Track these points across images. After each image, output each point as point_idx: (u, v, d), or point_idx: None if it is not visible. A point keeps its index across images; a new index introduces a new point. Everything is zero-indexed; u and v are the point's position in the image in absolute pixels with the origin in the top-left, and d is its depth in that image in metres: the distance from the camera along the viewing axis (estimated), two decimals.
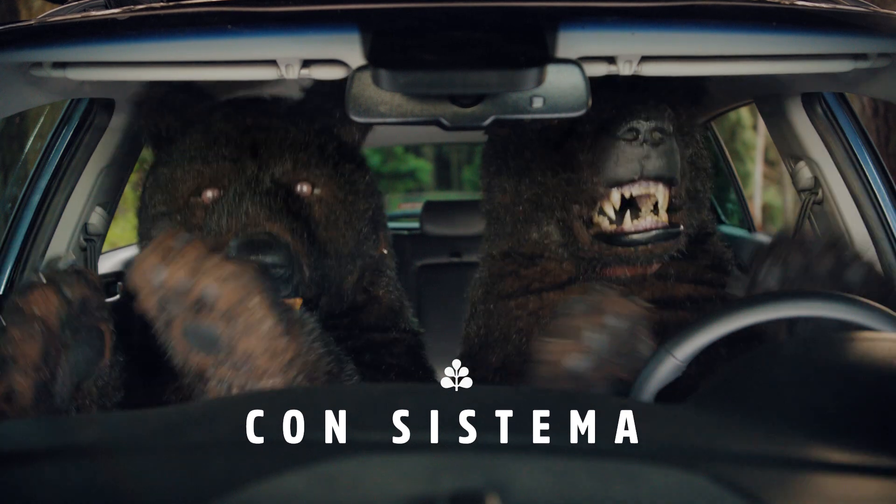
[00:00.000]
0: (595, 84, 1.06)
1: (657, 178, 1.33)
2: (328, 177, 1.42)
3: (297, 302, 1.30)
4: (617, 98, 1.35)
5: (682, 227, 1.39)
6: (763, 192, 12.46)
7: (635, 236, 1.35)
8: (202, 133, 1.42)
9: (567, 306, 1.10)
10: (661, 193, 1.35)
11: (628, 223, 1.36)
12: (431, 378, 1.58)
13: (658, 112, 1.29)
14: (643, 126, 1.27)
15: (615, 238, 1.37)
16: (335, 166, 1.44)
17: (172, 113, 1.46)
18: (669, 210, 1.38)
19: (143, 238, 1.45)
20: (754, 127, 11.75)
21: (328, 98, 1.44)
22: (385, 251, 1.58)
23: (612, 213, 1.37)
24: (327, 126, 1.47)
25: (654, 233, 1.35)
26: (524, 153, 1.48)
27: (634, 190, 1.34)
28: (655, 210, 1.37)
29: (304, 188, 1.41)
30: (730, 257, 1.60)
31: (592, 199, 1.36)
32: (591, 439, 0.55)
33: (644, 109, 1.28)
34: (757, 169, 12.16)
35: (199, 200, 1.38)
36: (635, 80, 1.23)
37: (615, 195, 1.35)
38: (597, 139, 1.33)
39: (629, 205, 1.37)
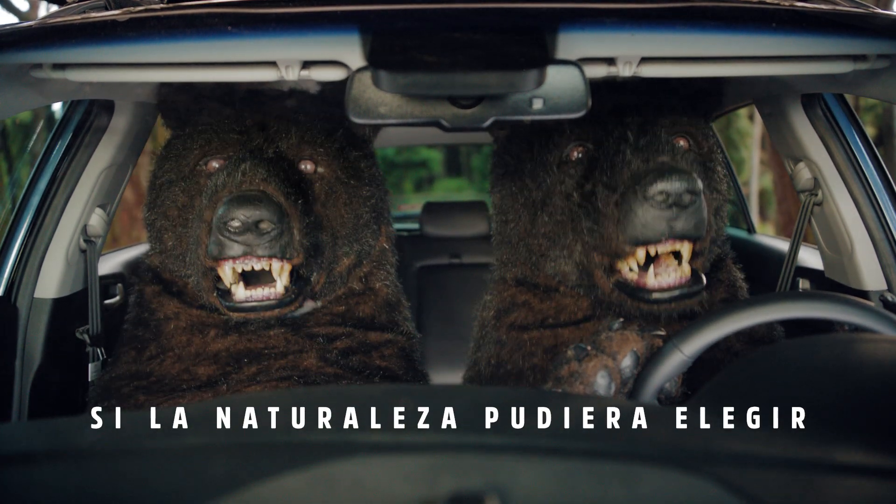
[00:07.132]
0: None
1: (683, 238, 1.28)
2: (332, 157, 1.44)
3: (287, 266, 1.30)
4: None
5: (704, 281, 1.35)
6: (759, 178, 12.41)
7: (657, 295, 1.32)
8: (215, 111, 1.45)
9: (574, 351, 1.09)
10: (686, 248, 1.31)
11: (651, 279, 1.33)
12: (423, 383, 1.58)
13: (690, 174, 1.24)
14: (674, 188, 1.21)
15: (637, 294, 1.33)
16: (341, 150, 1.47)
17: (188, 94, 1.49)
18: (692, 257, 1.34)
19: (150, 208, 1.47)
20: (751, 117, 11.69)
21: (340, 89, 1.46)
22: (386, 246, 1.58)
23: (634, 266, 1.34)
24: (338, 114, 1.49)
25: (677, 292, 1.31)
26: (541, 184, 1.43)
27: (660, 248, 1.29)
28: (677, 256, 1.33)
29: (307, 166, 1.43)
30: (742, 283, 1.58)
31: (616, 253, 1.32)
32: (592, 440, 0.55)
33: (675, 171, 1.23)
34: (754, 155, 12.10)
35: (205, 169, 1.41)
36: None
37: (640, 253, 1.30)
38: (625, 197, 1.27)
39: (652, 257, 1.34)
